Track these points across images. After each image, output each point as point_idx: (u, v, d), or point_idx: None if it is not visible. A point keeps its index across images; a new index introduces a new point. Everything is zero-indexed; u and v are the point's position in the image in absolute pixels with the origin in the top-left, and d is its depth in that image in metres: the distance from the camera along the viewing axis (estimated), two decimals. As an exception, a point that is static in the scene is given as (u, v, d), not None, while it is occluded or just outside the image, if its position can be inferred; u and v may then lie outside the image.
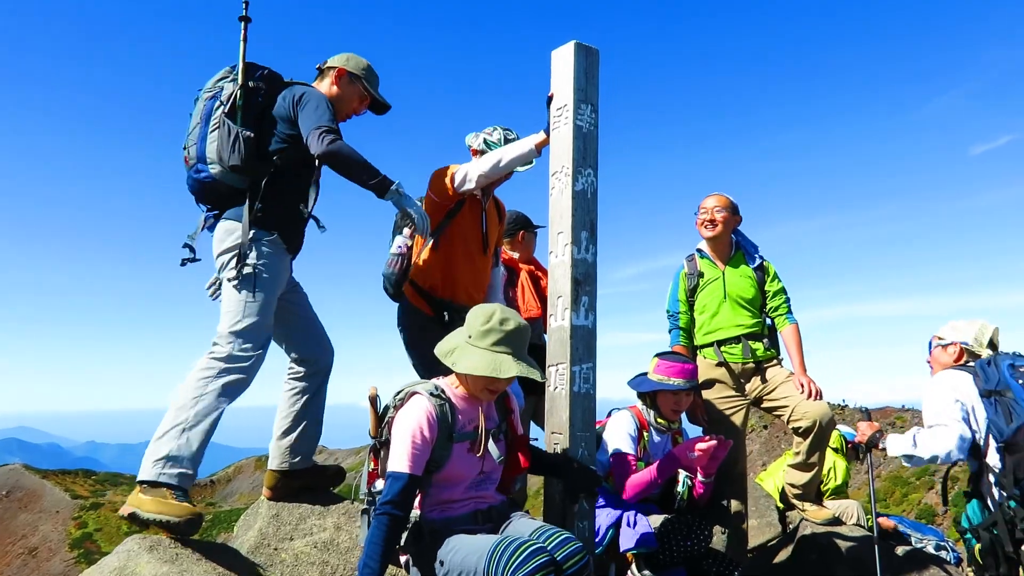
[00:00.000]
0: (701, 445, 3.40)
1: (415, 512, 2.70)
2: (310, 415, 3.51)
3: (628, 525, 3.40)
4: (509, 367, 2.56)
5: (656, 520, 3.52)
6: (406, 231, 3.93)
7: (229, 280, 3.19)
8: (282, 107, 3.24)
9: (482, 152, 3.86)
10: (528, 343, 2.72)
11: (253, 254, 3.19)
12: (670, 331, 4.61)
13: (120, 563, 2.55)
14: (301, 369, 3.49)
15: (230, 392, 3.08)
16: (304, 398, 3.48)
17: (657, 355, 3.82)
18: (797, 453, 4.44)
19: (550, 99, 3.23)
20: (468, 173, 3.63)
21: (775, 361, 4.46)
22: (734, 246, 4.52)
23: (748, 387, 4.43)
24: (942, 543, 5.19)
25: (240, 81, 3.19)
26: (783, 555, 4.77)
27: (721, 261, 4.47)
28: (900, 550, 4.50)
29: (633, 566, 3.57)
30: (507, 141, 3.84)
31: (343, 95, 3.46)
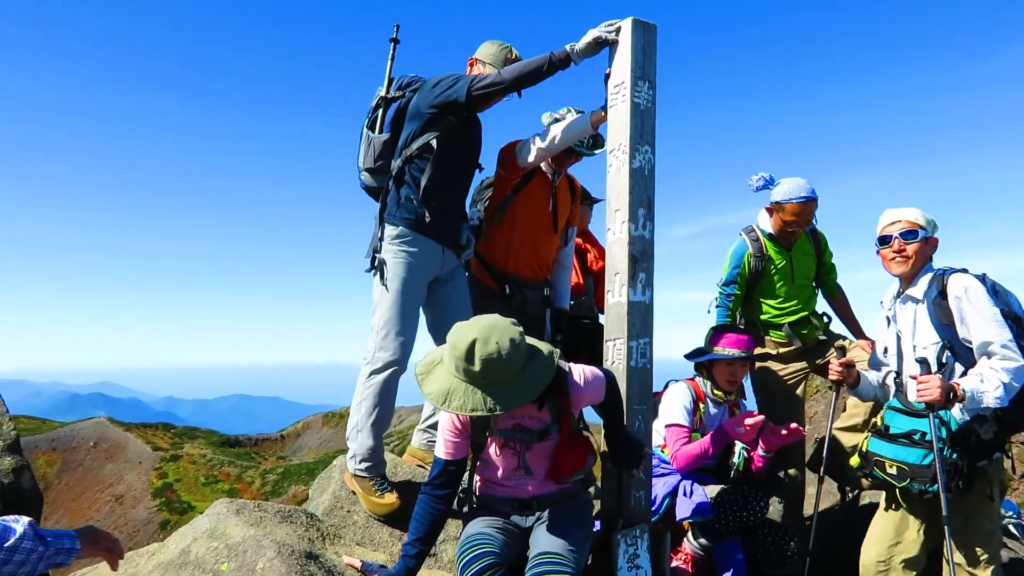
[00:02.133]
0: (749, 420, 3.41)
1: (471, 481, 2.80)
2: None
3: (684, 495, 3.47)
4: (432, 390, 2.40)
5: (712, 490, 3.58)
6: (479, 204, 4.03)
7: (373, 275, 3.50)
8: (413, 101, 3.48)
9: None
10: (509, 372, 2.37)
11: (384, 250, 3.45)
12: (718, 307, 4.52)
13: (211, 524, 2.78)
14: None
15: (385, 388, 3.34)
16: None
17: (712, 328, 3.84)
18: (854, 415, 4.36)
19: (608, 76, 3.23)
20: (529, 147, 3.69)
21: (829, 326, 4.56)
22: None
23: (810, 358, 4.43)
24: (1018, 519, 4.95)
25: (383, 92, 3.57)
26: (840, 525, 4.75)
27: (788, 246, 4.42)
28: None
29: (689, 534, 3.66)
30: None
31: None
